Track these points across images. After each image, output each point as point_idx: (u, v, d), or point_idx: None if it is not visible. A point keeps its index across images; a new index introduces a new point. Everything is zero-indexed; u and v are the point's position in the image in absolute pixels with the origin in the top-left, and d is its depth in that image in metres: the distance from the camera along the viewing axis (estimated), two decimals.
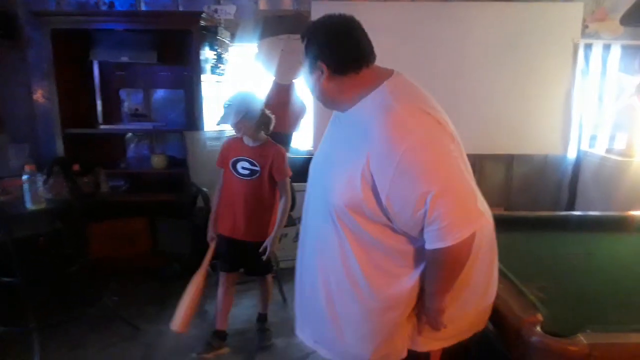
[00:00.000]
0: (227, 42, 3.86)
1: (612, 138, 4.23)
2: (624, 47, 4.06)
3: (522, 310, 1.52)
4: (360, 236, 1.37)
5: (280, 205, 2.62)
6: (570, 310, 1.60)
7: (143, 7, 3.87)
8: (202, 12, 3.49)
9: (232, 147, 2.60)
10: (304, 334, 1.63)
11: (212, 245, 2.66)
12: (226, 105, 2.51)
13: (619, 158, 3.91)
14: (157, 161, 3.69)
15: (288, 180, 2.62)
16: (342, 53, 1.34)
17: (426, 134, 1.28)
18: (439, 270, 1.36)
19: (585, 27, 4.03)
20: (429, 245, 1.31)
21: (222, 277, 2.77)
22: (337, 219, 1.38)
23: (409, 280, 1.41)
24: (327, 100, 1.41)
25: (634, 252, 2.17)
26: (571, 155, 4.26)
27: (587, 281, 1.87)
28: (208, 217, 3.11)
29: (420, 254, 1.38)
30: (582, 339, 1.36)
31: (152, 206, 3.75)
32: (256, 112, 2.48)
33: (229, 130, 3.71)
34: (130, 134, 3.98)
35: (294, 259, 4.09)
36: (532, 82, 4.04)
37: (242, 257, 2.70)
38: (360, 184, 1.28)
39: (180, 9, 3.88)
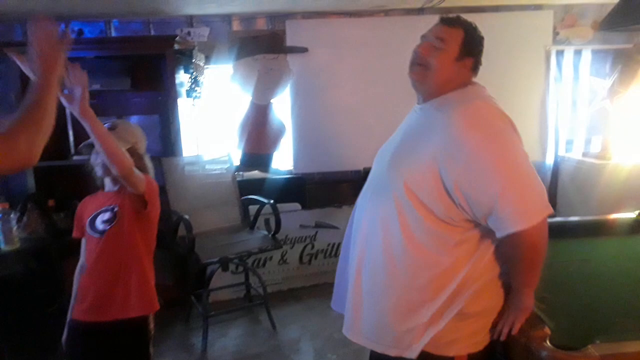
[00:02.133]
0: (202, 64, 3.80)
1: (587, 142, 4.30)
2: (594, 52, 4.16)
3: (528, 323, 1.47)
4: (412, 222, 1.39)
5: None
6: (574, 321, 1.57)
7: (113, 33, 3.79)
8: (175, 36, 3.44)
9: None
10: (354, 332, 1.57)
11: None
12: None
13: (596, 161, 3.97)
14: None
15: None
16: (480, 60, 1.49)
17: (504, 127, 1.36)
18: (518, 261, 1.39)
19: (556, 34, 4.13)
20: (501, 232, 1.33)
21: None
22: (395, 203, 1.41)
23: (447, 269, 1.40)
24: (443, 83, 1.45)
25: (627, 256, 2.16)
26: (549, 160, 4.31)
27: (586, 289, 1.84)
28: (191, 245, 3.03)
29: (467, 253, 1.40)
30: (593, 350, 1.32)
31: None
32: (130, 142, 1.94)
33: (206, 155, 3.65)
34: None
35: (280, 282, 4.07)
36: (506, 90, 4.05)
37: None
38: (428, 166, 1.35)
39: (152, 32, 3.82)
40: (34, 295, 2.80)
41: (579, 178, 4.05)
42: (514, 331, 1.43)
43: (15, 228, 2.66)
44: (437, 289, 1.41)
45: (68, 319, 1.91)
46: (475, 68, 1.49)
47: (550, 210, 1.34)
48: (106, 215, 1.88)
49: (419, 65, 1.46)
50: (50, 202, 3.09)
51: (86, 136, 3.97)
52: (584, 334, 1.40)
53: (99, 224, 1.88)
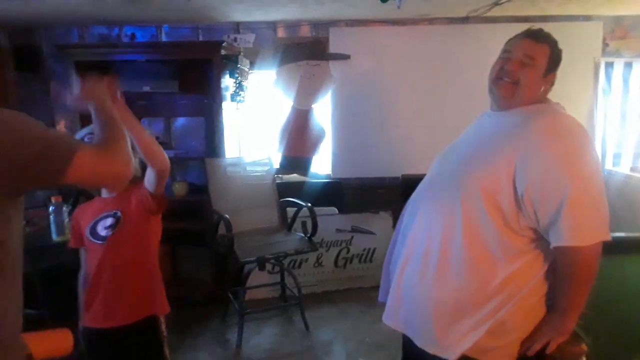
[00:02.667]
0: (246, 69, 3.91)
1: (636, 156, 4.16)
2: None
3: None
4: (477, 223, 1.40)
5: None
6: (613, 339, 1.54)
7: (164, 38, 3.95)
8: (222, 42, 3.55)
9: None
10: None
11: None
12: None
13: None
14: (178, 188, 3.71)
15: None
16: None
17: (586, 142, 1.39)
18: (568, 277, 1.38)
19: (605, 45, 4.01)
20: (556, 242, 1.34)
21: None
22: (461, 204, 1.42)
23: (502, 277, 1.41)
24: (527, 98, 1.47)
25: None
26: None
27: (625, 307, 1.80)
28: (230, 243, 3.11)
29: (525, 264, 1.41)
30: None
31: (174, 233, 3.73)
32: None
33: (248, 157, 3.74)
34: None
35: (314, 284, 4.11)
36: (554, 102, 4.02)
37: None
38: (504, 169, 1.36)
39: (201, 38, 3.95)
40: None
41: (628, 193, 3.92)
42: (548, 351, 1.42)
43: (67, 220, 2.80)
44: (489, 295, 1.41)
45: (80, 328, 1.86)
46: (554, 82, 1.51)
47: (609, 237, 1.34)
48: (108, 221, 1.82)
49: (506, 81, 1.49)
50: None
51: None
52: (622, 353, 1.38)
53: (101, 230, 1.82)
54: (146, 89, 3.59)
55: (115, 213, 1.82)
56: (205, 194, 3.50)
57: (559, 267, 1.40)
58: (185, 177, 3.96)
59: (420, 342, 1.50)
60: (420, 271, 1.49)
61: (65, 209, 2.88)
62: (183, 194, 3.70)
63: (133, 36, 3.95)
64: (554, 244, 1.34)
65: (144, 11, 3.43)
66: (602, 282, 1.28)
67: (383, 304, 1.68)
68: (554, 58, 1.48)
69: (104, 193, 1.89)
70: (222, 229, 3.25)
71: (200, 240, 3.66)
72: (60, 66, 3.85)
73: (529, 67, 1.45)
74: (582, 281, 1.38)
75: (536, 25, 1.53)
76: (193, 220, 3.69)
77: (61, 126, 4.06)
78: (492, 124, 1.55)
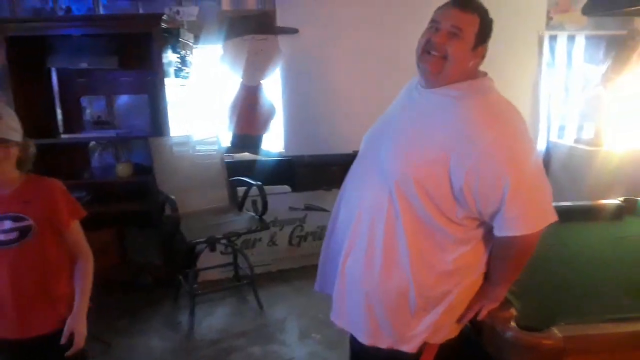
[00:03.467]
0: (190, 44, 3.77)
1: (580, 128, 4.29)
2: (588, 38, 4.12)
3: None
4: (415, 214, 1.36)
5: (79, 269, 1.72)
6: (542, 303, 1.58)
7: (101, 11, 3.75)
8: (162, 14, 3.38)
9: None
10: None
11: None
12: None
13: (587, 147, 3.97)
14: (122, 169, 3.57)
15: (78, 226, 1.74)
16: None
17: (519, 124, 1.34)
18: (507, 259, 1.39)
19: (549, 19, 4.08)
20: (501, 232, 1.33)
21: None
22: (396, 192, 1.36)
23: (447, 265, 1.40)
24: (456, 73, 1.36)
25: (605, 242, 2.17)
26: (541, 146, 4.30)
27: (559, 273, 1.85)
28: (176, 224, 3.03)
29: (467, 251, 1.40)
30: (556, 332, 1.34)
31: (119, 216, 3.63)
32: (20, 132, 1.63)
33: (195, 136, 3.64)
34: (93, 143, 3.84)
35: (269, 264, 4.09)
36: (498, 75, 3.98)
37: None
38: (438, 159, 1.30)
39: (141, 11, 3.77)
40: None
41: (571, 164, 4.05)
42: (480, 317, 1.44)
43: None
44: (435, 284, 1.40)
45: None
46: (485, 54, 1.41)
47: (555, 218, 1.33)
48: (6, 224, 1.57)
49: (434, 55, 1.35)
50: None
51: (74, 114, 3.95)
52: (551, 316, 1.42)
53: None
54: (84, 65, 3.42)
55: (17, 217, 1.59)
56: (151, 174, 3.39)
57: (499, 249, 1.39)
58: (129, 157, 3.82)
59: (369, 340, 1.46)
60: (364, 264, 1.43)
61: None
62: (128, 174, 3.57)
63: (68, 9, 3.73)
64: (499, 233, 1.33)
65: None
66: (539, 249, 1.30)
67: (323, 294, 1.65)
68: (484, 29, 1.36)
69: None
70: (168, 210, 3.17)
71: (148, 222, 3.55)
72: None
73: (457, 38, 1.33)
74: (520, 260, 1.39)
75: None
76: (140, 202, 3.59)
77: None
78: (421, 103, 1.44)
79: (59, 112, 3.67)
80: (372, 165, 1.46)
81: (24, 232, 1.59)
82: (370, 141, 1.54)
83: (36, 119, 3.50)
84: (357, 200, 1.48)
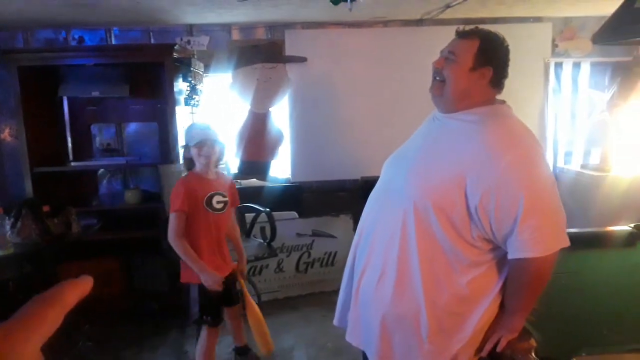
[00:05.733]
0: (201, 73, 3.82)
1: (586, 153, 4.29)
2: (593, 65, 4.16)
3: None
4: (430, 235, 1.38)
5: (237, 230, 2.75)
6: (562, 333, 1.56)
7: (113, 41, 3.82)
8: (174, 44, 3.46)
9: (197, 185, 2.41)
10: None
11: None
12: (209, 129, 2.43)
13: (594, 173, 3.96)
14: (131, 196, 3.58)
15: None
16: (505, 71, 1.46)
17: (536, 148, 1.38)
18: (522, 285, 1.38)
19: (555, 46, 4.14)
20: (514, 254, 1.33)
21: (210, 333, 2.53)
22: (413, 213, 1.38)
23: (459, 286, 1.40)
24: (460, 96, 1.44)
25: (619, 269, 2.14)
26: None
27: (576, 301, 1.82)
28: None
29: (481, 274, 1.40)
30: None
31: (127, 243, 3.62)
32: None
33: None
34: (102, 170, 3.87)
35: (276, 290, 4.05)
36: (506, 101, 4.10)
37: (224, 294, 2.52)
38: (455, 180, 1.32)
39: (152, 41, 3.85)
40: (28, 299, 2.79)
41: (578, 190, 4.03)
42: (499, 349, 1.42)
43: (9, 233, 2.67)
44: (448, 304, 1.40)
45: None
46: (497, 80, 1.44)
47: (567, 243, 1.34)
48: (221, 199, 2.43)
49: (437, 80, 1.47)
50: (45, 208, 3.10)
51: (84, 142, 3.99)
52: (571, 346, 1.40)
53: (215, 204, 2.41)
54: (95, 94, 3.47)
55: (225, 195, 2.46)
56: (159, 201, 3.40)
57: (513, 273, 1.39)
58: (138, 184, 3.84)
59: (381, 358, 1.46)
60: (378, 284, 1.45)
61: (7, 221, 2.74)
62: (136, 201, 3.58)
63: (81, 39, 3.81)
64: (512, 255, 1.33)
65: (92, 13, 3.31)
66: (553, 278, 1.29)
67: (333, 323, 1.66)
68: (484, 51, 1.42)
69: (210, 175, 2.45)
70: None
71: (155, 249, 3.54)
72: (4, 71, 3.66)
73: (452, 62, 1.43)
74: (535, 287, 1.38)
75: (488, 27, 1.49)
76: (148, 229, 3.57)
77: (5, 134, 3.87)
78: (438, 128, 1.51)
79: (69, 139, 3.71)
80: (390, 189, 1.52)
81: (225, 205, 2.46)
82: (390, 166, 1.60)
83: (47, 147, 3.54)
84: (374, 223, 1.51)
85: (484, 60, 1.41)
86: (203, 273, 2.32)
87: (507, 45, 1.46)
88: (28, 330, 0.33)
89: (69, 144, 3.71)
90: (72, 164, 3.64)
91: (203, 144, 2.35)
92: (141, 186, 3.77)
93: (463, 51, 1.42)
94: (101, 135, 3.83)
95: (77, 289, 0.38)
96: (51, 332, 0.34)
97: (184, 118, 3.62)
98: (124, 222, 3.68)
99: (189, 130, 2.52)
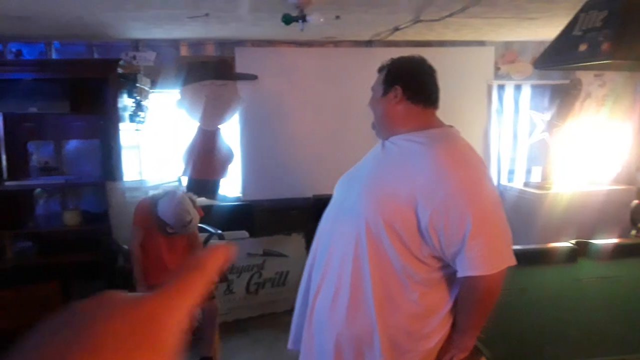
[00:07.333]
0: (147, 89, 3.71)
1: (528, 172, 4.47)
2: (533, 87, 4.37)
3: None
4: (382, 253, 1.38)
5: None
6: (511, 349, 1.58)
7: (54, 55, 3.65)
8: (119, 60, 3.34)
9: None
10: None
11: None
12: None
13: (536, 191, 4.12)
14: (70, 218, 3.39)
15: None
16: (418, 84, 1.49)
17: (482, 169, 1.42)
18: (472, 303, 1.39)
19: (497, 69, 4.31)
20: (463, 272, 1.33)
21: None
22: (365, 231, 1.39)
23: (411, 303, 1.42)
24: (387, 122, 1.51)
25: (563, 284, 2.21)
26: None
27: (524, 318, 1.86)
28: (130, 275, 2.88)
29: (432, 291, 1.41)
30: None
31: (66, 268, 3.41)
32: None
33: (151, 180, 3.53)
34: (39, 190, 3.65)
35: (226, 313, 3.95)
36: (450, 123, 4.22)
37: None
38: (405, 200, 1.34)
39: (96, 56, 3.70)
40: None
41: (521, 207, 4.18)
42: None
43: None
44: (400, 324, 1.40)
45: None
46: (412, 94, 1.47)
47: (514, 261, 1.36)
48: None
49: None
50: None
51: (21, 161, 3.76)
52: None
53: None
54: (33, 110, 3.29)
55: None
56: (101, 222, 3.24)
57: (463, 291, 1.41)
58: (78, 204, 3.65)
59: None
60: (331, 305, 1.44)
61: None
62: (76, 223, 3.39)
63: (19, 53, 3.62)
64: (461, 274, 1.35)
65: (31, 27, 3.15)
66: (501, 296, 1.31)
67: (285, 347, 1.64)
68: (389, 75, 1.51)
69: None
70: (121, 261, 3.01)
71: (96, 273, 3.36)
72: None
73: (371, 97, 1.57)
74: (485, 305, 1.40)
75: (434, 50, 1.59)
76: (89, 252, 3.39)
77: None
78: (389, 149, 1.52)
79: (3, 157, 3.48)
80: (343, 208, 1.52)
81: None
82: (343, 185, 1.61)
83: None
84: (328, 243, 1.51)
85: (390, 81, 1.50)
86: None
87: (421, 61, 1.51)
88: (185, 298, 0.32)
89: (3, 162, 3.48)
90: (7, 183, 3.41)
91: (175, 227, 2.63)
92: (81, 206, 3.58)
93: (376, 83, 1.54)
94: (38, 153, 3.61)
95: (217, 258, 0.37)
96: (198, 301, 0.33)
97: (129, 135, 3.49)
98: (62, 245, 3.48)
99: (168, 205, 2.65)
